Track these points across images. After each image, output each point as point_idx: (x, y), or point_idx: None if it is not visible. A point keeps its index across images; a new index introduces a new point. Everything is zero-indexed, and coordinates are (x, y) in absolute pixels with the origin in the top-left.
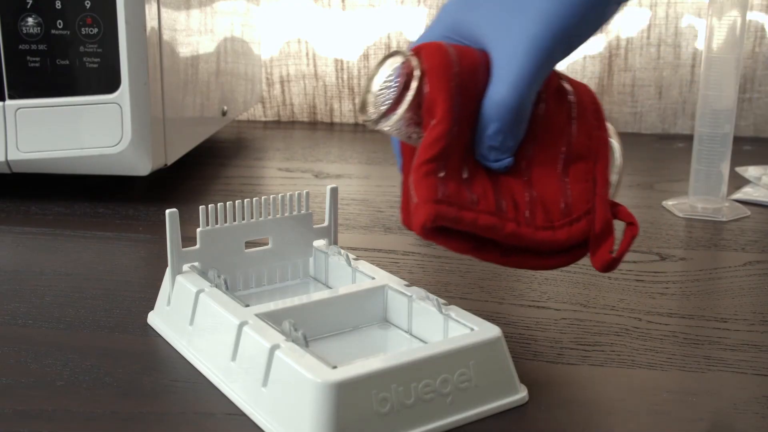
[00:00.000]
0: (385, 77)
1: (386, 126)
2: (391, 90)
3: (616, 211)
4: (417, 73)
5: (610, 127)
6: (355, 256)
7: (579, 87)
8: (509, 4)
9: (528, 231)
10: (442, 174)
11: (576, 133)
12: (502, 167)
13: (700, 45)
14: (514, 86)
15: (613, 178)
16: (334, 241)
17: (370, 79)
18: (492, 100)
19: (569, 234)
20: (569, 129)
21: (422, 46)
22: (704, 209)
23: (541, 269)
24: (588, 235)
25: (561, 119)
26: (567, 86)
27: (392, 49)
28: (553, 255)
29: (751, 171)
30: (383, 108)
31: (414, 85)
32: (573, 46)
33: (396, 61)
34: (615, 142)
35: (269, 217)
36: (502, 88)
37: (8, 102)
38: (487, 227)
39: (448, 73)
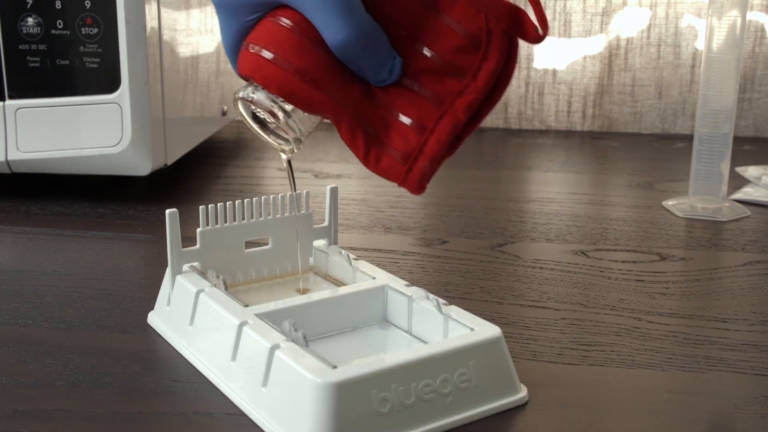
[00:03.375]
0: (254, 122)
1: (304, 138)
2: (272, 130)
3: None
4: (276, 106)
5: None
6: (355, 256)
7: None
8: None
9: (473, 93)
10: (388, 148)
11: None
12: (401, 70)
13: (700, 45)
14: (339, 25)
15: None
16: (334, 241)
17: (260, 131)
18: (338, 51)
19: (498, 53)
20: None
21: (250, 70)
22: (704, 209)
23: (508, 84)
24: (508, 34)
25: None
26: None
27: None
28: (505, 70)
29: (751, 171)
30: (286, 140)
31: (281, 115)
32: None
33: (246, 106)
34: None
35: (269, 217)
36: (332, 37)
37: (8, 102)
38: (451, 133)
39: (290, 79)
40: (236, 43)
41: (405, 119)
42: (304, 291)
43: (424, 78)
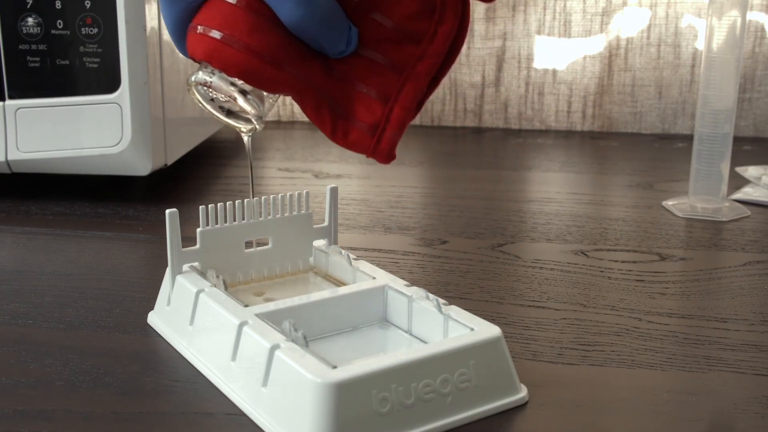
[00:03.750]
0: (210, 105)
1: (265, 116)
2: (230, 111)
3: None
4: (234, 88)
5: None
6: (355, 256)
7: None
8: None
9: (431, 57)
10: (355, 121)
11: None
12: (357, 40)
13: (700, 45)
14: (294, 2)
15: None
16: (334, 241)
17: (218, 114)
18: (294, 29)
19: (452, 15)
20: None
21: (205, 54)
22: (704, 209)
23: (461, 46)
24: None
25: None
26: None
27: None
28: (459, 33)
29: (751, 171)
30: (246, 120)
31: (239, 96)
32: None
33: (203, 91)
34: None
35: (269, 217)
36: (288, 15)
37: (8, 102)
38: (414, 99)
39: (250, 61)
40: (181, 25)
41: (367, 89)
42: (259, 294)
43: (381, 46)
